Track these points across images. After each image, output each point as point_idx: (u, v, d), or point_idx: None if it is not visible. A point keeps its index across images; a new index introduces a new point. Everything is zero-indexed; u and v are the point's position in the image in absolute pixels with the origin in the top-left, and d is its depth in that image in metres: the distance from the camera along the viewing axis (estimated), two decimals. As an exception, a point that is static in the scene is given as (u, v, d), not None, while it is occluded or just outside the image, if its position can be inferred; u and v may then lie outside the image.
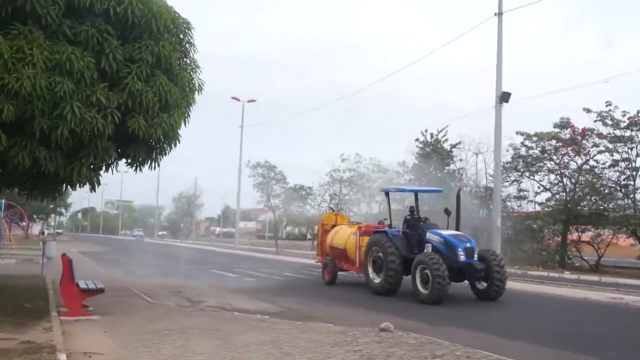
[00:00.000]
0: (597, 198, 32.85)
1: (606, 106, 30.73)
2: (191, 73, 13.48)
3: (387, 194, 20.62)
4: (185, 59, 13.43)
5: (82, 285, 12.33)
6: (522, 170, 35.86)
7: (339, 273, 21.53)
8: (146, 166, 13.37)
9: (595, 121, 31.57)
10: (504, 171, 36.51)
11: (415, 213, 18.96)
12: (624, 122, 30.54)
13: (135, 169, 13.45)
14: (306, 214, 54.74)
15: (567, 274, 27.42)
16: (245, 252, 48.54)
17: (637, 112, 30.16)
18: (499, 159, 26.13)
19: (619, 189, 32.05)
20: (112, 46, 11.56)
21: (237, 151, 54.35)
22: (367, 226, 21.34)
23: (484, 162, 39.07)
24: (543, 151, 34.33)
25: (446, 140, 40.08)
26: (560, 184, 34.51)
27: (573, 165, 33.99)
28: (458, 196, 18.83)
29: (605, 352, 10.34)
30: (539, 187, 35.67)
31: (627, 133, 30.67)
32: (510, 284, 19.08)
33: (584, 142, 32.70)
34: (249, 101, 52.64)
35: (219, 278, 23.24)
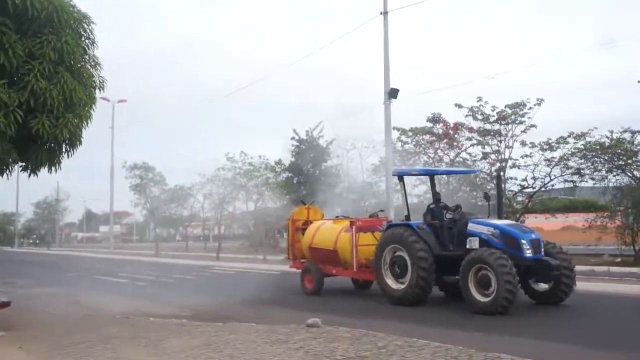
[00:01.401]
0: (471, 189, 34.42)
1: (477, 101, 32.27)
2: (92, 70, 12.74)
3: (401, 178, 16.38)
4: (85, 55, 12.68)
5: (-16, 300, 11.38)
6: (398, 164, 36.95)
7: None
8: (44, 170, 12.52)
9: (466, 116, 33.06)
10: (381, 166, 37.59)
11: (440, 200, 15.88)
12: (494, 116, 32.19)
13: (31, 174, 12.55)
14: (178, 215, 53.61)
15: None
16: (122, 256, 46.77)
17: (505, 107, 31.90)
18: (390, 154, 26.81)
19: (489, 179, 33.77)
20: (11, 40, 10.72)
21: (109, 153, 51.75)
22: (366, 220, 17.47)
23: (359, 158, 40.12)
24: (417, 145, 35.54)
25: (321, 137, 40.58)
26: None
27: (447, 159, 35.44)
28: (498, 177, 16.85)
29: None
30: (416, 180, 36.86)
31: (496, 127, 32.36)
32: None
33: (456, 136, 34.16)
34: (119, 101, 50.81)
35: (108, 284, 22.24)
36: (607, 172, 29.26)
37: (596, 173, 29.46)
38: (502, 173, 33.81)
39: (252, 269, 27.97)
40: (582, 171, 29.43)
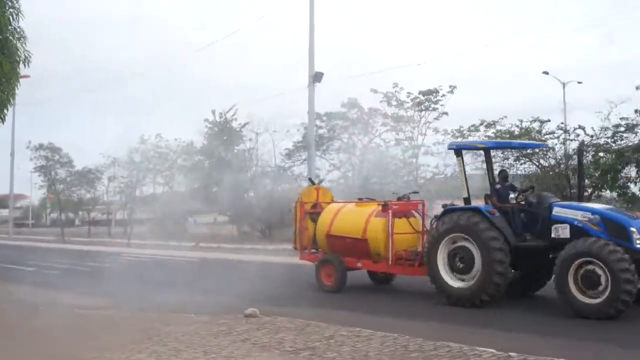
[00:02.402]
0: (383, 175, 34.87)
1: (393, 87, 32.60)
2: (17, 43, 11.82)
3: (458, 152, 13.62)
4: (9, 27, 11.75)
5: None
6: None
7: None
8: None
9: (381, 102, 33.38)
10: (295, 151, 37.52)
11: (507, 179, 13.84)
12: (408, 103, 32.65)
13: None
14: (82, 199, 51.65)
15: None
16: (23, 242, 44.50)
17: (419, 94, 32.41)
18: (312, 139, 26.81)
19: (402, 165, 34.31)
20: None
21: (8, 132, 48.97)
22: (403, 204, 14.78)
23: (272, 142, 39.81)
24: (331, 130, 35.63)
25: (235, 119, 40.00)
26: (349, 162, 36.09)
27: (360, 145, 35.74)
28: (580, 151, 14.47)
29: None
30: (330, 166, 36.94)
31: (410, 113, 32.88)
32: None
33: (371, 121, 34.46)
34: (21, 77, 47.88)
35: (17, 273, 20.99)
36: (515, 161, 30.28)
37: (505, 161, 30.47)
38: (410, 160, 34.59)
39: (168, 257, 27.21)
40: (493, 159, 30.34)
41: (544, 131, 29.33)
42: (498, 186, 13.24)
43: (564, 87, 37.55)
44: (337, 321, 10.25)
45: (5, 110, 11.40)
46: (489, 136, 30.78)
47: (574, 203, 12.64)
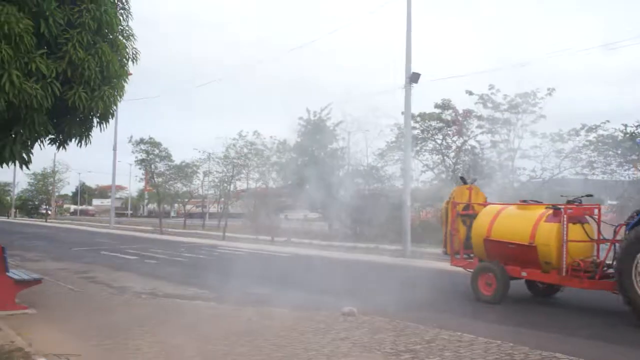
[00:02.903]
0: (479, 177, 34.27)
1: (489, 89, 31.97)
2: (125, 41, 12.29)
3: None
4: (119, 26, 12.23)
5: (15, 276, 11.04)
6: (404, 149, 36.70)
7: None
8: (73, 142, 12.13)
9: (476, 103, 32.81)
10: (388, 150, 37.34)
11: None
12: (504, 105, 31.94)
13: (60, 146, 12.17)
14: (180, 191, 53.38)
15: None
16: (123, 231, 46.35)
17: (515, 96, 31.65)
18: (408, 139, 26.63)
19: (497, 168, 33.61)
20: (51, 8, 10.29)
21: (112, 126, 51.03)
22: (578, 208, 13.16)
23: (365, 141, 39.79)
24: (426, 131, 35.28)
25: (329, 118, 40.19)
26: (443, 164, 35.65)
27: (454, 146, 35.23)
28: None
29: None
30: (423, 167, 36.58)
31: (506, 115, 32.15)
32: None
33: (465, 123, 33.93)
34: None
35: (117, 260, 21.90)
36: (617, 166, 29.14)
37: (607, 167, 29.36)
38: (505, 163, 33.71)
39: (261, 251, 27.66)
40: (593, 164, 29.33)
41: (650, 136, 28.17)
42: None
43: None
44: (436, 324, 10.13)
45: (115, 107, 11.82)
46: (590, 141, 29.79)
47: None
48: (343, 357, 7.95)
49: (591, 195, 14.97)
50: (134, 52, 12.44)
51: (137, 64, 12.56)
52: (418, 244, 26.27)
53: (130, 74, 15.78)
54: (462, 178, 16.50)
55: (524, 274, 13.37)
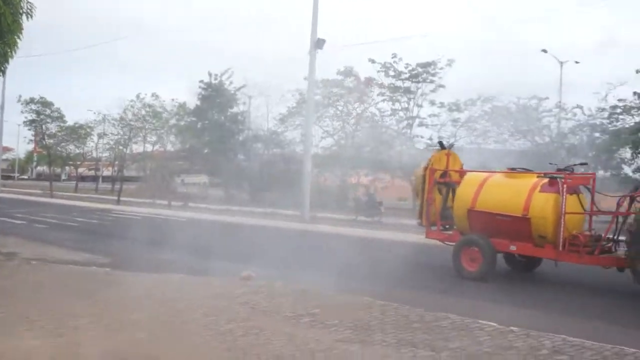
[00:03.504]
0: (377, 144, 34.74)
1: (392, 58, 32.34)
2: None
3: None
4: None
5: None
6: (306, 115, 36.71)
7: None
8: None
9: (378, 71, 33.16)
10: (289, 116, 37.26)
11: None
12: (406, 74, 32.43)
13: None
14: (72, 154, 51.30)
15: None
16: (10, 195, 44.02)
17: (416, 65, 32.19)
18: (311, 105, 26.56)
19: (395, 135, 34.18)
20: None
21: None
22: (577, 178, 12.60)
23: (266, 107, 39.57)
24: (328, 98, 35.36)
25: (231, 83, 39.58)
26: (343, 130, 35.91)
27: (355, 113, 35.55)
28: None
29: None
30: (323, 133, 36.71)
31: (407, 84, 32.70)
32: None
33: (367, 90, 34.25)
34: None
35: (5, 225, 20.83)
36: (510, 136, 30.31)
37: (500, 136, 30.50)
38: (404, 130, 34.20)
39: (158, 215, 27.02)
40: (487, 133, 30.39)
41: (541, 109, 29.42)
42: None
43: (561, 66, 37.38)
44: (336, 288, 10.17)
45: (6, 64, 11.05)
46: (485, 111, 30.80)
47: None
48: (242, 322, 7.82)
49: (585, 164, 14.50)
50: (29, 6, 11.65)
51: (32, 18, 11.75)
52: (317, 210, 26.40)
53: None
54: (440, 143, 15.28)
55: (512, 248, 12.35)
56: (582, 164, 14.36)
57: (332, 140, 36.16)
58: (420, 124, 33.18)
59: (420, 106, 32.89)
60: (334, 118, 36.00)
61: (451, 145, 14.73)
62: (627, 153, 25.66)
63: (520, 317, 8.84)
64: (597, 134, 26.54)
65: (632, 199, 11.66)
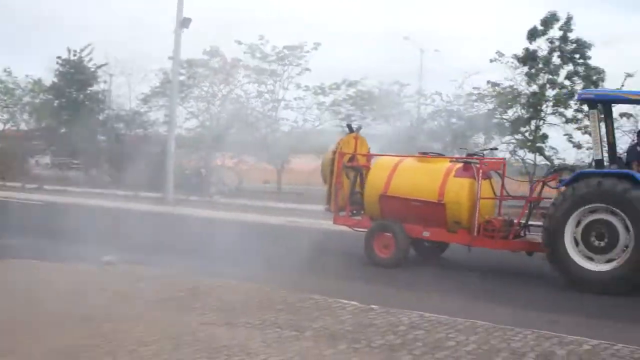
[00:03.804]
0: (242, 126, 34.61)
1: (259, 39, 32.26)
2: None
3: (595, 104, 11.29)
4: None
5: None
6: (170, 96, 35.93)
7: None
8: None
9: (245, 53, 32.98)
10: (153, 96, 36.31)
11: None
12: (272, 56, 32.48)
13: None
14: None
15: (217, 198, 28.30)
16: None
17: (283, 48, 32.32)
18: (176, 85, 26.07)
19: (261, 117, 34.20)
20: None
21: None
22: (493, 163, 12.71)
23: (128, 86, 38.36)
24: (193, 78, 34.78)
25: (91, 60, 37.93)
26: (208, 111, 35.43)
27: (221, 94, 35.19)
28: None
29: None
30: (187, 114, 36.00)
31: (274, 67, 32.77)
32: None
33: (234, 71, 33.99)
34: None
35: None
36: (372, 120, 31.22)
37: (363, 120, 31.32)
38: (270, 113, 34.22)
39: (9, 198, 25.50)
40: (351, 117, 31.10)
41: (402, 94, 30.57)
42: (638, 149, 11.41)
43: (422, 54, 38.95)
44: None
45: None
46: (349, 95, 31.56)
47: None
48: (104, 308, 7.62)
49: (496, 149, 14.45)
50: None
51: None
52: (182, 192, 26.02)
53: None
54: (348, 126, 14.79)
55: (426, 234, 12.15)
56: (493, 149, 14.45)
57: (197, 122, 35.61)
58: (286, 107, 33.45)
59: (286, 89, 33.10)
60: (199, 99, 35.44)
61: (359, 128, 14.43)
62: (480, 138, 27.26)
63: (381, 295, 9.22)
64: (453, 120, 27.91)
65: (544, 184, 12.07)
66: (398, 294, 9.64)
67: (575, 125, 24.90)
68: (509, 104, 25.97)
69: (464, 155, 12.88)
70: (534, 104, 25.20)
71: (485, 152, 13.28)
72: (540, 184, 12.19)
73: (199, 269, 10.42)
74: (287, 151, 32.50)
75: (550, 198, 11.62)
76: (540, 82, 25.48)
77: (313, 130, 32.48)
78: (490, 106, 26.90)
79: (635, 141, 11.88)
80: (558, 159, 25.15)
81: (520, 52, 25.53)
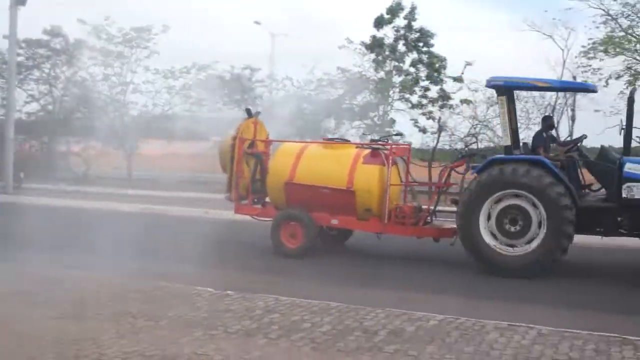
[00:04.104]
0: (88, 110, 33.18)
1: (104, 20, 30.92)
2: None
3: (503, 90, 11.33)
4: None
5: None
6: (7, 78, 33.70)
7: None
8: None
9: (89, 33, 31.51)
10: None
11: (553, 127, 12.69)
12: (119, 37, 31.30)
13: None
14: None
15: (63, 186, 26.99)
16: None
17: (130, 30, 31.21)
18: (13, 66, 24.41)
19: (109, 102, 32.93)
20: None
21: None
22: (402, 149, 12.73)
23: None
24: (32, 59, 32.85)
25: None
26: (50, 95, 33.65)
27: (64, 77, 33.52)
28: (632, 99, 11.10)
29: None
30: (28, 97, 33.92)
31: (120, 49, 31.59)
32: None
33: (77, 53, 32.44)
34: None
35: None
36: (224, 105, 30.98)
37: (215, 105, 31.02)
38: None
39: None
40: (202, 102, 30.71)
41: (254, 79, 30.56)
42: (544, 135, 11.81)
43: (273, 38, 39.03)
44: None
45: None
46: (200, 79, 31.09)
47: None
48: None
49: (401, 134, 14.40)
50: None
51: None
52: (23, 180, 24.56)
53: None
54: (247, 110, 13.89)
55: (334, 222, 11.95)
56: (397, 134, 14.41)
57: (38, 105, 33.67)
58: (135, 91, 32.35)
59: (134, 72, 32.01)
60: (40, 81, 33.52)
61: (257, 113, 13.82)
62: (331, 123, 27.77)
63: (241, 282, 9.24)
64: (305, 105, 28.25)
65: (451, 170, 12.10)
66: (259, 280, 9.68)
67: (420, 111, 25.99)
68: (358, 89, 26.67)
69: (374, 141, 12.79)
70: (382, 90, 26.05)
71: (388, 138, 13.20)
72: (448, 169, 12.16)
73: (47, 261, 9.97)
74: (137, 136, 31.53)
75: (457, 184, 12.14)
76: (387, 68, 26.37)
77: (163, 114, 31.70)
78: (341, 92, 27.49)
79: (541, 127, 12.20)
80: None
81: (368, 40, 26.24)
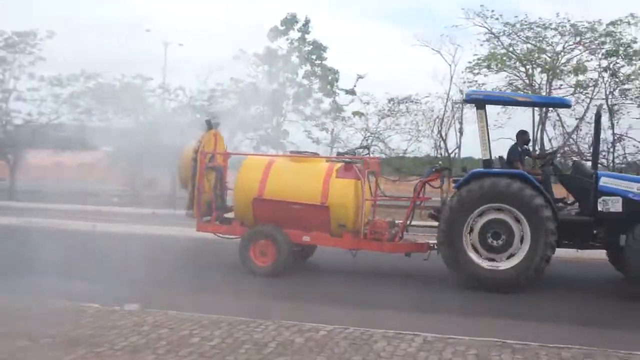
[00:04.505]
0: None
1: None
2: None
3: (482, 104, 11.32)
4: None
5: None
6: None
7: None
8: None
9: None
10: None
11: (529, 141, 12.78)
12: (1, 42, 29.93)
13: None
14: None
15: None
16: None
17: (13, 34, 29.92)
18: None
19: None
20: None
21: None
22: (372, 163, 12.08)
23: None
24: None
25: None
26: None
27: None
28: (598, 115, 11.27)
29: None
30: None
31: (2, 54, 30.19)
32: None
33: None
34: None
35: None
36: (114, 114, 30.13)
37: (104, 114, 30.11)
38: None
39: None
40: (91, 111, 29.73)
41: (145, 88, 29.91)
42: (520, 149, 11.96)
43: (165, 47, 38.34)
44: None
45: None
46: (89, 87, 30.09)
47: (624, 174, 11.92)
48: None
49: (368, 147, 14.04)
50: None
51: None
52: None
53: None
54: (207, 122, 12.93)
55: (306, 239, 11.47)
56: (364, 147, 13.90)
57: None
58: (18, 98, 30.93)
59: (17, 79, 30.64)
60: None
61: (217, 125, 13.04)
62: (225, 134, 27.57)
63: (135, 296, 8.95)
64: (198, 115, 27.92)
65: (425, 184, 11.84)
66: (155, 294, 9.45)
67: (314, 122, 26.30)
68: (251, 100, 26.66)
69: (347, 155, 12.50)
70: (275, 101, 26.17)
71: (358, 151, 12.82)
72: (422, 184, 11.89)
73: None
74: (21, 146, 30.11)
75: (429, 197, 11.97)
76: (281, 80, 26.52)
77: (50, 124, 30.44)
78: (234, 102, 27.39)
79: (516, 141, 12.20)
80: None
81: (261, 51, 26.31)
